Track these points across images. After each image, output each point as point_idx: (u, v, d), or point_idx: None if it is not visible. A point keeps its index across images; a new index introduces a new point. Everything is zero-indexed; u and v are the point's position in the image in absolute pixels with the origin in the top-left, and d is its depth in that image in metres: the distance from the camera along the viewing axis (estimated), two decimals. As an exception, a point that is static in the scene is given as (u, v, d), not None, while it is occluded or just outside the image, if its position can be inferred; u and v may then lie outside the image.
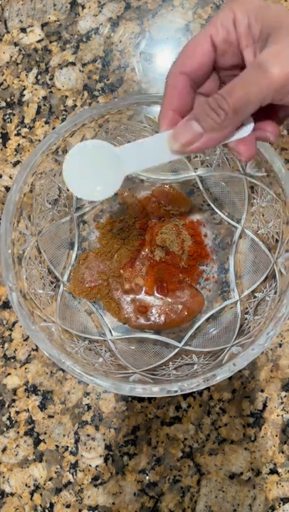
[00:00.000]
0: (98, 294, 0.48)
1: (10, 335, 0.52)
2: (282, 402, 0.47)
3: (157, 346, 0.48)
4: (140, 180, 0.50)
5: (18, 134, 0.57)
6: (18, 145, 0.56)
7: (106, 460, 0.48)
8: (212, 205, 0.49)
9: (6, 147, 0.56)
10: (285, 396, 0.48)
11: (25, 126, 0.57)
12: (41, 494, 0.48)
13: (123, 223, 0.50)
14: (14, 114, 0.57)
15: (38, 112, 0.57)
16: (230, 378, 0.48)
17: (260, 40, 0.27)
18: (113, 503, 0.47)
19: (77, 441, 0.49)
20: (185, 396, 0.48)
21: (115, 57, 0.57)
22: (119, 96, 0.56)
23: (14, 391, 0.51)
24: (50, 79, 0.57)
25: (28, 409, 0.50)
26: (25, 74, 0.58)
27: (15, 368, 0.51)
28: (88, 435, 0.49)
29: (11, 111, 0.57)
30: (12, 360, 0.51)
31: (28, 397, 0.50)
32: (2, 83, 0.58)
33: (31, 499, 0.48)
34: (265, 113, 0.29)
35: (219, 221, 0.50)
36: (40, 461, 0.49)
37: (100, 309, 0.49)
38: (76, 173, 0.31)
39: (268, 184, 0.43)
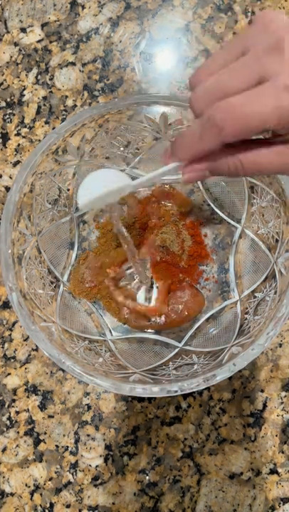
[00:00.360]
0: (98, 294, 0.48)
1: (10, 335, 0.52)
2: (282, 402, 0.47)
3: (157, 346, 0.47)
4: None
5: (18, 134, 0.57)
6: (18, 145, 0.56)
7: (106, 460, 0.48)
8: (212, 205, 0.49)
9: (6, 147, 0.56)
10: (285, 396, 0.48)
11: (25, 126, 0.57)
12: (41, 494, 0.48)
13: (123, 223, 0.50)
14: (14, 114, 0.57)
15: (38, 112, 0.57)
16: (230, 378, 0.48)
17: None
18: (113, 503, 0.47)
19: (77, 441, 0.49)
20: (185, 396, 0.48)
21: (115, 57, 0.57)
22: (119, 96, 0.56)
23: (14, 391, 0.51)
24: (50, 79, 0.57)
25: (28, 409, 0.50)
26: (25, 74, 0.58)
27: (15, 368, 0.51)
28: (88, 435, 0.49)
29: (11, 111, 0.57)
30: (12, 360, 0.51)
31: (28, 397, 0.50)
32: (2, 83, 0.58)
33: (31, 499, 0.48)
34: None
35: (219, 221, 0.50)
36: (40, 461, 0.49)
37: (100, 309, 0.49)
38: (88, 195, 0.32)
39: (268, 184, 0.43)
